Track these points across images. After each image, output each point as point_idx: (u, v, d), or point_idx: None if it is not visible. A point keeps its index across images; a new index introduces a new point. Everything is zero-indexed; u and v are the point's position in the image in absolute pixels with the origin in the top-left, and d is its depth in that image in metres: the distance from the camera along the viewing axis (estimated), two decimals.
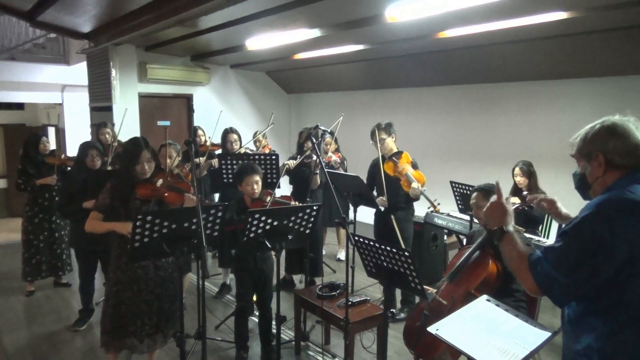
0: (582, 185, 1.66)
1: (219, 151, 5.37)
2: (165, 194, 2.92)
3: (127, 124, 5.74)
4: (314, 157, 4.64)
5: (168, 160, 3.99)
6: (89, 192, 3.76)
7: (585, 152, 1.60)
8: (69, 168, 4.79)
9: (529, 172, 4.23)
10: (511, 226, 1.70)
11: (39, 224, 4.70)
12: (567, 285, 1.49)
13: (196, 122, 7.22)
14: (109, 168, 4.33)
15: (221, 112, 5.88)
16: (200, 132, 5.65)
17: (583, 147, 1.61)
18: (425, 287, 2.59)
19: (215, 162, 4.82)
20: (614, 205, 1.46)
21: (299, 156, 4.79)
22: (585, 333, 1.53)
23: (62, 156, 4.86)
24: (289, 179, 4.99)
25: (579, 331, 1.56)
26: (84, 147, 4.01)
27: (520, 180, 4.24)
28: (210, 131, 5.55)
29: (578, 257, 1.46)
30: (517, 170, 4.27)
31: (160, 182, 2.92)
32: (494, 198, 1.76)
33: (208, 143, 5.32)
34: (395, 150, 4.13)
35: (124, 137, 5.45)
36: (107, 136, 5.02)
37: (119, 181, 2.88)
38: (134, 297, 2.82)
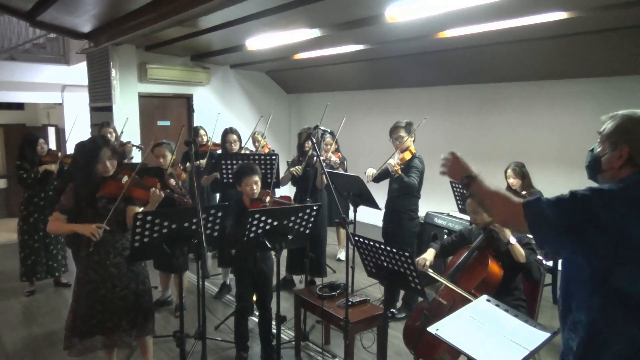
0: (594, 166, 1.62)
1: (219, 151, 5.38)
2: (133, 191, 2.87)
3: (127, 124, 5.75)
4: (316, 157, 4.64)
5: (162, 160, 3.99)
6: None
7: (613, 139, 1.55)
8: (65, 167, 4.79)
9: (522, 173, 4.25)
10: (475, 170, 1.70)
11: (33, 224, 4.67)
12: (555, 226, 1.47)
13: (196, 122, 7.23)
14: None
15: (219, 114, 5.88)
16: (202, 132, 5.68)
17: (613, 133, 1.55)
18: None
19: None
20: (620, 195, 1.45)
21: (300, 158, 4.78)
22: (575, 309, 1.55)
23: (59, 153, 4.86)
24: (290, 182, 4.98)
25: (569, 306, 1.58)
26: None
27: (513, 181, 4.27)
28: (210, 132, 5.59)
29: (571, 218, 1.46)
30: (509, 172, 4.30)
31: (125, 178, 2.87)
32: (444, 155, 1.77)
33: (210, 143, 5.35)
34: (412, 149, 4.12)
35: (124, 138, 5.48)
36: (109, 135, 5.04)
37: (81, 181, 2.82)
38: (108, 295, 2.80)
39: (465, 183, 1.69)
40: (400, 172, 3.98)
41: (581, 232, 1.45)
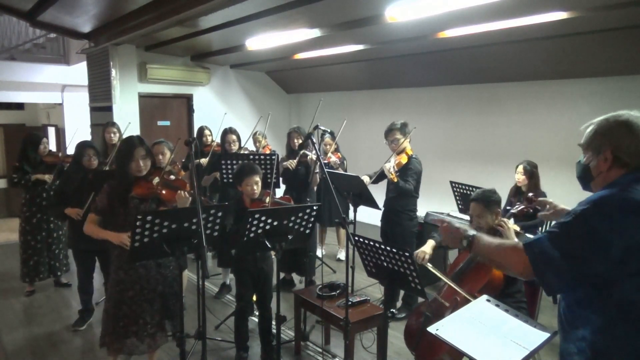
0: (585, 176, 1.63)
1: None
2: (163, 192, 2.91)
3: (127, 124, 5.75)
4: (313, 156, 4.64)
5: (161, 157, 4.00)
6: (86, 192, 3.77)
7: (594, 146, 1.57)
8: (65, 167, 4.80)
9: (531, 173, 4.12)
10: (471, 231, 1.77)
11: (36, 225, 4.67)
12: (561, 267, 1.47)
13: (196, 122, 7.24)
14: (107, 168, 4.33)
15: (225, 115, 5.87)
16: (207, 132, 5.68)
17: (593, 140, 1.57)
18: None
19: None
20: (615, 203, 1.44)
21: (290, 158, 4.79)
22: (579, 326, 1.53)
23: (60, 154, 4.86)
24: (282, 178, 4.99)
25: (573, 323, 1.56)
26: (81, 147, 4.00)
27: (521, 178, 4.14)
28: (214, 132, 5.60)
29: (574, 245, 1.45)
30: (520, 168, 4.16)
31: (156, 180, 2.91)
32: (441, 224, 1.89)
33: (214, 143, 5.36)
34: (408, 150, 4.11)
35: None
36: (112, 135, 5.04)
37: (116, 181, 2.88)
38: (136, 297, 2.82)
39: (466, 245, 1.73)
40: (396, 179, 3.96)
41: (587, 262, 1.44)
